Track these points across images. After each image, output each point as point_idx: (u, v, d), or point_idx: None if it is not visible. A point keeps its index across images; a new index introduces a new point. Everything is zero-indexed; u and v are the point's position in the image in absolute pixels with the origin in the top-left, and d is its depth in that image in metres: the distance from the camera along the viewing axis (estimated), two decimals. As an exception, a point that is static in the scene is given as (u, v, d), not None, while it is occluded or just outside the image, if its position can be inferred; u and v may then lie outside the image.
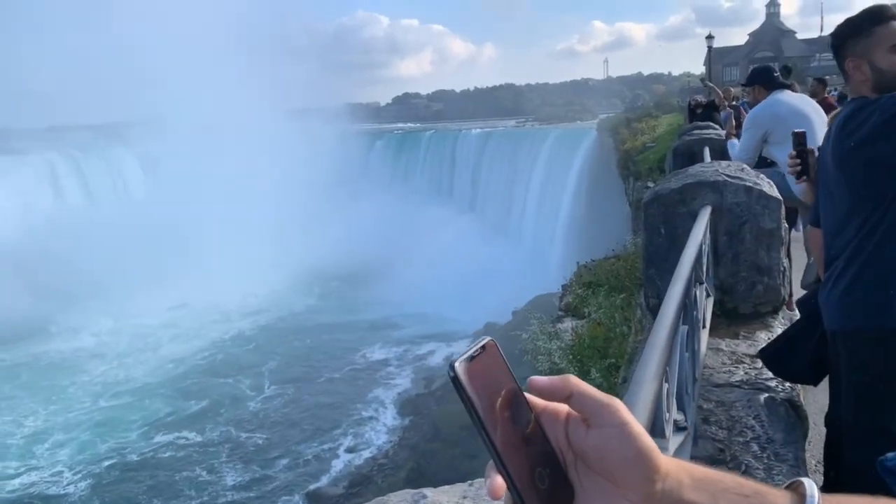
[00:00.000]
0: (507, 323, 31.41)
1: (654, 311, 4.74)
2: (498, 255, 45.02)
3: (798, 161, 3.47)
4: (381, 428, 28.75)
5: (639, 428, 0.76)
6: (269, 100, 72.64)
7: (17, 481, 25.35)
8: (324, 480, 24.84)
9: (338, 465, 25.91)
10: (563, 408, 0.79)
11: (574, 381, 0.79)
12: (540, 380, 0.79)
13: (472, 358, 0.75)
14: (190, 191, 56.47)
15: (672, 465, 0.78)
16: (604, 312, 8.07)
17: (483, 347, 0.77)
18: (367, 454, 26.64)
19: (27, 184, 58.92)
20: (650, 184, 20.06)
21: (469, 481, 2.34)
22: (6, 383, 35.07)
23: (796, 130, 3.57)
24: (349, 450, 27.01)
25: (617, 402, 0.77)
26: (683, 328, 2.71)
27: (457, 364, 0.74)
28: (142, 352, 38.86)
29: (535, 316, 10.45)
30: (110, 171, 65.71)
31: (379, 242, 52.27)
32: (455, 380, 0.73)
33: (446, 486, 2.30)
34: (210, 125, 65.00)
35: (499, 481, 0.72)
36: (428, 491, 2.29)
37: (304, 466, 25.75)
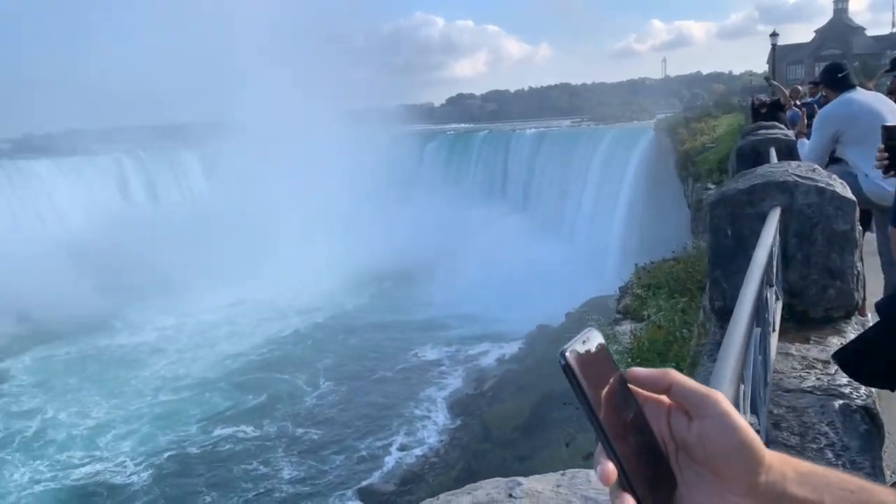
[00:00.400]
0: (561, 325, 31.15)
1: (719, 313, 4.66)
2: (551, 257, 44.63)
3: (886, 155, 3.36)
4: (432, 427, 28.87)
5: (741, 420, 0.77)
6: (326, 101, 73.75)
7: (81, 470, 26.43)
8: (376, 477, 25.10)
9: (390, 463, 26.15)
10: (665, 399, 0.81)
11: (674, 373, 0.82)
12: (640, 371, 0.82)
13: (580, 347, 0.78)
14: (248, 191, 57.92)
15: (775, 458, 0.79)
16: (664, 315, 7.92)
17: (589, 338, 0.80)
18: (418, 452, 26.80)
19: (97, 183, 61.43)
20: (710, 185, 19.60)
21: (561, 471, 2.37)
22: (73, 375, 36.61)
23: (887, 125, 3.47)
24: (401, 448, 27.22)
25: (718, 394, 0.79)
26: (756, 331, 2.67)
27: (567, 352, 0.77)
28: (200, 347, 40.00)
29: (592, 318, 10.35)
30: (174, 172, 67.75)
31: (430, 242, 52.51)
32: (566, 367, 0.76)
33: (538, 476, 2.35)
34: (268, 126, 66.42)
35: (610, 467, 0.74)
36: (521, 479, 2.34)
37: (357, 463, 26.07)
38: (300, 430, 28.84)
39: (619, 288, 12.48)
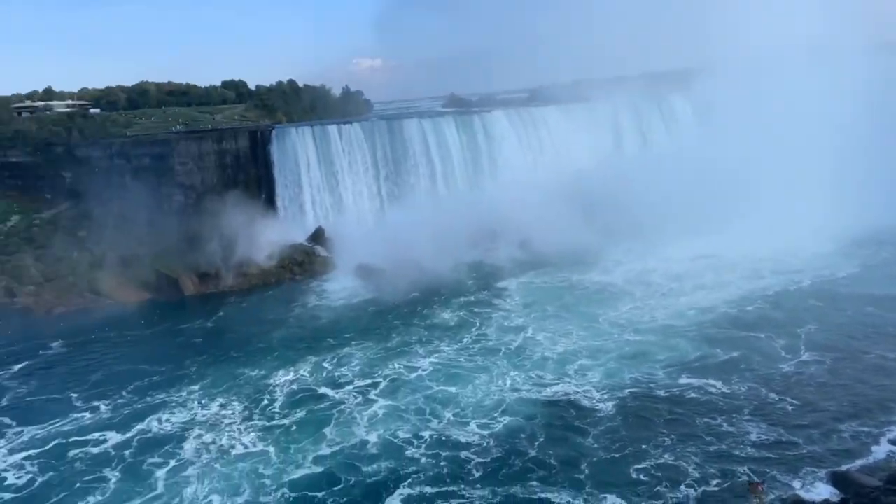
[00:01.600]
0: None
1: None
2: None
3: None
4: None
5: None
6: (845, 33, 62.11)
7: (551, 389, 29.41)
8: (857, 465, 21.87)
9: (878, 454, 22.43)
10: None
11: None
12: None
13: None
14: (739, 138, 54.09)
15: None
16: None
17: None
18: (920, 451, 22.39)
19: (594, 129, 66.10)
20: None
21: None
22: (552, 302, 40.83)
23: None
24: (894, 442, 23.11)
25: None
26: None
27: None
28: (666, 296, 40.36)
29: None
30: (664, 118, 69.14)
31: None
32: None
33: None
34: (770, 65, 60.34)
35: None
36: None
37: (836, 444, 23.03)
38: (773, 396, 26.85)
39: None
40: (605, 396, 28.26)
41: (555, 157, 61.84)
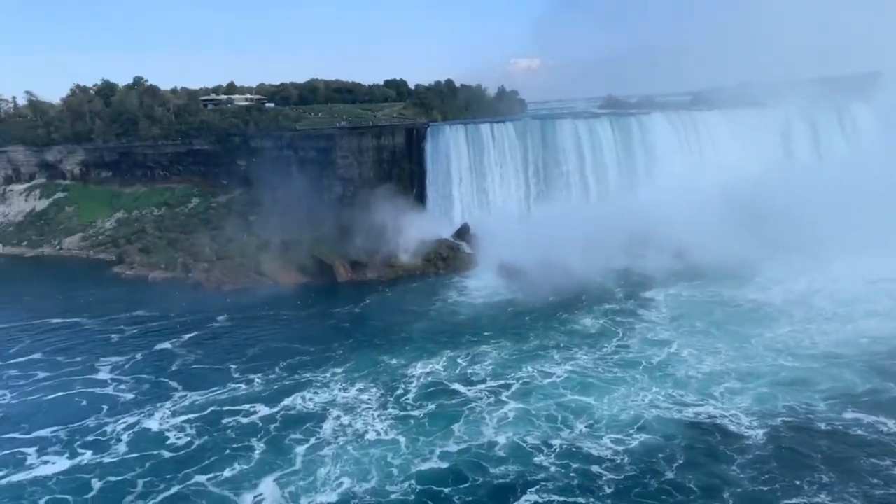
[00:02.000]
0: None
1: None
2: None
3: None
4: None
5: None
6: None
7: (694, 410, 27.67)
8: None
9: None
10: None
11: None
12: None
13: None
14: None
15: None
16: None
17: None
18: None
19: (760, 136, 61.95)
20: None
21: None
22: (701, 318, 38.48)
23: None
24: None
25: None
26: None
27: None
28: (830, 321, 36.76)
29: None
30: (842, 126, 63.90)
31: None
32: None
33: None
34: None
35: None
36: None
37: None
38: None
39: None
40: (755, 423, 26.23)
41: (716, 163, 58.11)
